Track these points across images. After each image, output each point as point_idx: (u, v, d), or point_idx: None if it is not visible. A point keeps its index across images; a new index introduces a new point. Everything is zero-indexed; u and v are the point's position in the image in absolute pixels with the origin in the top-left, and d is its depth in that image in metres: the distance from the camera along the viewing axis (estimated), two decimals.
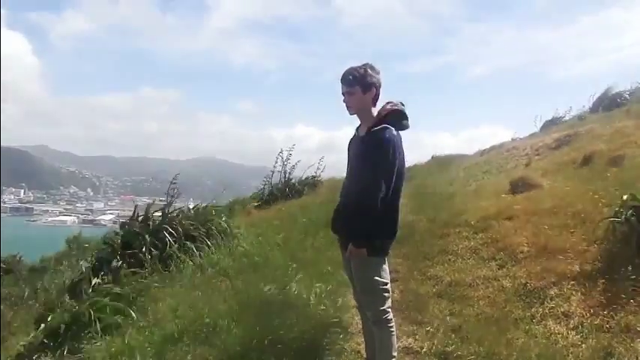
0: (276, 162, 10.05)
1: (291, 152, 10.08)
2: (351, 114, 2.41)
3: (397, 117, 2.34)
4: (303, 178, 10.35)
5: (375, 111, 2.39)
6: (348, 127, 2.65)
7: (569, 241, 4.04)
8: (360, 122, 2.47)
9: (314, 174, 10.49)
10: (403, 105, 2.40)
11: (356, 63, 2.37)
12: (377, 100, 2.39)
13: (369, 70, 2.34)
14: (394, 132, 2.28)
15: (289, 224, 6.52)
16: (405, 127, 2.36)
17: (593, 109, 13.29)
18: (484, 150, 13.13)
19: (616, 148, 6.79)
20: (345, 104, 2.39)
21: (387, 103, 2.40)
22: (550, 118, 14.77)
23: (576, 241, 4.01)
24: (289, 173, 10.10)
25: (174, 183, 5.94)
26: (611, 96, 13.15)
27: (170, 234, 5.12)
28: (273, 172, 10.05)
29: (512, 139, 13.75)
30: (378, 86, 2.36)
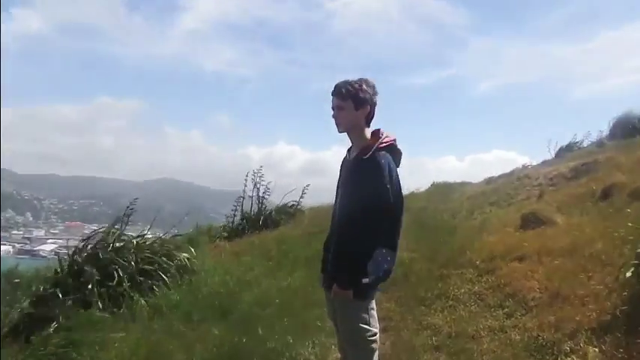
0: (246, 185, 9.94)
1: (262, 174, 9.99)
2: (339, 131, 2.44)
3: (393, 153, 2.39)
4: (281, 206, 10.32)
5: (368, 132, 2.42)
6: (337, 146, 2.68)
7: (586, 287, 4.07)
8: (351, 143, 2.51)
9: (294, 201, 10.48)
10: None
11: (347, 74, 2.44)
12: (371, 121, 2.43)
13: (364, 86, 2.39)
14: (390, 157, 2.33)
15: (263, 260, 6.46)
16: (397, 165, 2.42)
17: (612, 134, 13.63)
18: (491, 178, 13.33)
19: (638, 180, 6.95)
20: (334, 120, 2.43)
21: (380, 132, 2.44)
22: (566, 144, 15.11)
23: (595, 286, 4.05)
24: (264, 199, 10.06)
25: (131, 208, 5.88)
26: (631, 120, 13.49)
27: (122, 268, 5.03)
28: (244, 197, 9.98)
29: (524, 166, 13.99)
30: (372, 104, 2.41)
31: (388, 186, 2.26)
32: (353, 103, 2.37)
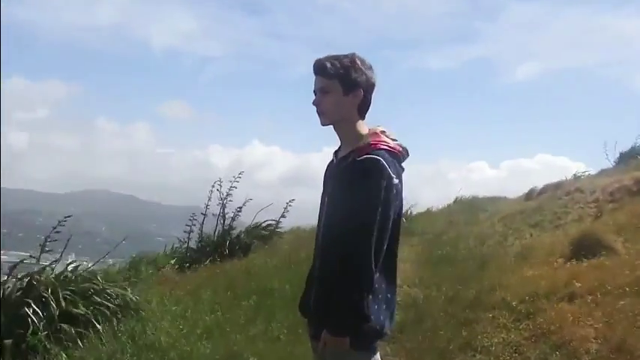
0: (209, 199, 9.92)
1: (236, 183, 9.99)
2: (323, 123, 2.41)
3: (397, 159, 2.37)
4: (253, 226, 10.30)
5: (362, 126, 2.42)
6: (331, 147, 2.70)
7: None
8: (339, 142, 2.49)
9: (272, 220, 10.47)
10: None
11: (345, 52, 2.42)
12: (366, 111, 2.42)
13: (357, 63, 2.37)
14: (391, 160, 2.30)
15: (229, 298, 6.43)
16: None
17: None
18: (533, 191, 13.42)
19: None
20: (315, 108, 2.41)
21: (380, 130, 2.43)
22: (629, 148, 15.22)
23: None
24: (232, 218, 10.04)
25: (57, 230, 5.83)
26: None
27: (36, 313, 4.98)
28: (205, 214, 9.96)
29: (576, 177, 14.11)
30: (368, 89, 2.38)
31: (376, 201, 2.23)
32: (341, 84, 2.34)
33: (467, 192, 15.33)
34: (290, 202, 10.43)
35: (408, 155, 2.44)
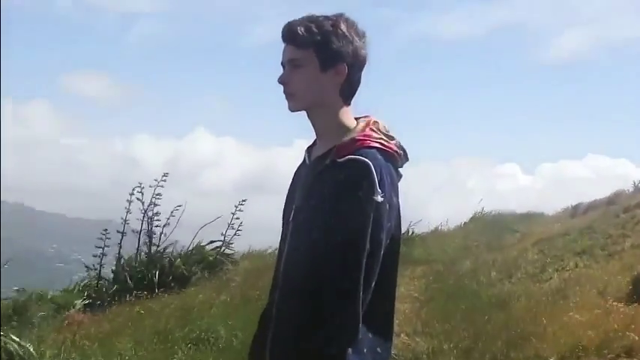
0: (128, 211, 9.85)
1: (158, 193, 9.93)
2: (292, 109, 2.37)
3: (393, 163, 2.35)
4: (193, 250, 10.26)
5: (346, 116, 2.38)
6: (304, 139, 2.64)
7: None
8: (314, 137, 2.46)
9: (220, 241, 10.43)
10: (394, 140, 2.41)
11: (328, 10, 2.39)
12: (352, 95, 2.38)
13: (342, 28, 2.32)
14: (385, 164, 2.27)
15: (157, 350, 6.41)
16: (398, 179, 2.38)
17: None
18: (580, 206, 13.52)
19: None
20: (282, 87, 2.36)
21: (372, 121, 2.41)
22: None
23: None
24: (159, 237, 9.98)
25: None
26: None
27: None
28: (123, 232, 9.89)
29: (637, 187, 14.22)
30: (355, 64, 2.34)
31: (363, 221, 2.21)
32: (318, 56, 2.29)
33: (490, 205, 15.41)
34: (239, 204, 10.40)
35: (407, 159, 2.40)
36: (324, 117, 2.35)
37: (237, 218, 10.35)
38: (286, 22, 2.32)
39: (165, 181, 9.91)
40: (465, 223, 14.02)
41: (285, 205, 2.49)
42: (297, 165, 2.53)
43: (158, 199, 9.92)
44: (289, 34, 2.30)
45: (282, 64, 2.34)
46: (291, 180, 2.55)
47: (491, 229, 13.42)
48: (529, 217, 14.55)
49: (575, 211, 13.81)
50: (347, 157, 2.20)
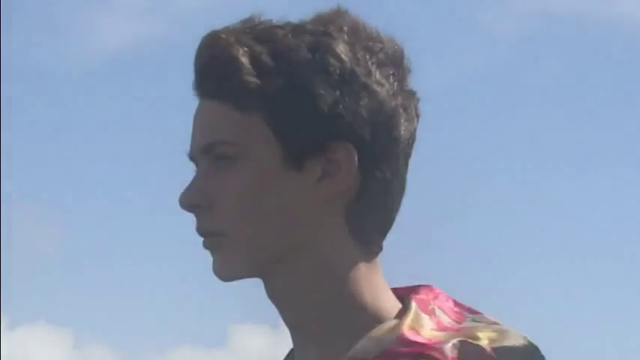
0: None
1: None
2: (225, 275, 0.91)
3: None
4: None
5: (367, 283, 0.92)
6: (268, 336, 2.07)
7: None
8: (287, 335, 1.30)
9: None
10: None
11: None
12: (379, 230, 0.96)
13: (339, 50, 0.89)
14: None
15: None
16: None
17: None
18: None
19: None
20: (190, 211, 0.95)
21: (434, 291, 1.01)
22: None
23: None
24: None
25: None
26: None
27: None
28: None
29: None
30: (383, 144, 0.91)
31: None
32: (276, 132, 0.89)
33: None
34: None
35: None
36: (307, 284, 0.88)
37: None
38: (212, 32, 0.89)
39: None
40: None
41: None
42: None
43: None
44: (208, 71, 0.89)
45: (190, 157, 0.92)
46: None
47: None
48: None
49: None
50: None
